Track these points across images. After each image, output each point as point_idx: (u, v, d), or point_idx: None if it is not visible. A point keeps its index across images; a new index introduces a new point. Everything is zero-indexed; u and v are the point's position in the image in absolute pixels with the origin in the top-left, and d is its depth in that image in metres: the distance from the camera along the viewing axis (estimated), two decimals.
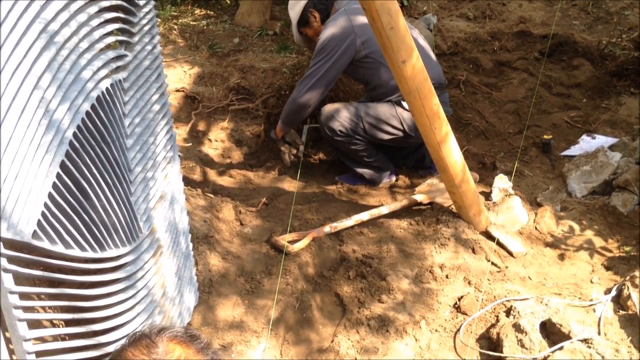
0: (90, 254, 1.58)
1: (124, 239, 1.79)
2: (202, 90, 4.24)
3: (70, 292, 1.52)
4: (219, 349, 1.23)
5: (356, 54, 3.36)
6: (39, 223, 1.35)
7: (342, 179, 3.74)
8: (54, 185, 1.40)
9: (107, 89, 1.67)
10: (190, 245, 2.49)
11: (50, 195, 1.38)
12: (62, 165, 1.44)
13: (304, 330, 2.71)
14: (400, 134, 3.45)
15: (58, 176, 1.41)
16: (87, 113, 1.55)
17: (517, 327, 2.53)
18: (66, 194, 1.46)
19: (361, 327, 2.70)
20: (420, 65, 2.68)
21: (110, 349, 1.80)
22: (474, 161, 4.01)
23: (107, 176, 1.67)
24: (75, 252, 1.51)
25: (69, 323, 1.66)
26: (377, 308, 2.77)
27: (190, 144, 3.91)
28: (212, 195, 3.25)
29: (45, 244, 1.39)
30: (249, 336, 2.53)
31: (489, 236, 3.17)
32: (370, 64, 3.39)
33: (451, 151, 2.96)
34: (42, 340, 1.55)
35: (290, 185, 3.65)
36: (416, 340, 2.66)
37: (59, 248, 1.44)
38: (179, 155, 3.64)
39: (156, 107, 2.08)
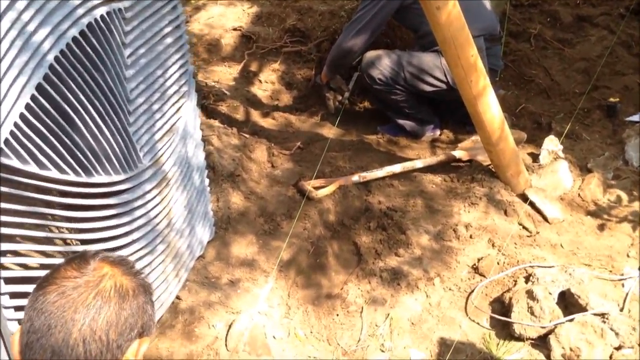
0: (72, 177, 1.64)
1: (118, 167, 1.84)
2: (259, 30, 4.23)
3: (49, 212, 1.60)
4: (145, 277, 1.25)
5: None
6: (6, 141, 1.41)
7: (383, 129, 3.66)
8: (28, 107, 1.45)
9: (102, 16, 1.69)
10: (207, 181, 2.54)
11: (22, 116, 1.44)
12: (40, 88, 1.48)
13: (316, 275, 2.73)
14: (444, 86, 3.31)
15: (33, 98, 1.46)
16: (75, 39, 1.58)
17: (530, 294, 2.43)
18: (44, 116, 1.51)
19: (373, 277, 2.68)
20: (457, 13, 2.54)
21: None
22: (529, 120, 3.80)
23: (97, 104, 1.71)
24: (53, 173, 1.57)
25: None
26: (393, 261, 2.73)
27: (240, 83, 3.94)
28: (247, 135, 3.27)
29: (14, 162, 1.45)
30: (258, 275, 2.57)
31: (525, 199, 3.03)
32: (418, 10, 3.21)
33: (489, 106, 2.82)
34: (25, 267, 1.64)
35: (330, 131, 3.62)
36: (427, 296, 2.62)
37: (31, 168, 1.50)
38: (225, 93, 3.70)
39: (168, 40, 2.09)
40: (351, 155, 3.35)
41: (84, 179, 1.69)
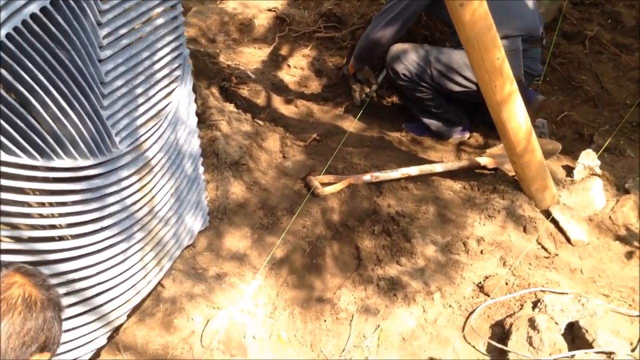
0: (24, 160, 1.57)
1: (86, 151, 1.76)
2: (294, 12, 4.09)
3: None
4: (58, 294, 1.20)
5: None
6: None
7: (408, 127, 3.47)
8: None
9: None
10: (201, 169, 2.44)
11: None
12: None
13: (310, 276, 2.60)
14: (473, 87, 3.08)
15: None
16: (34, 15, 1.49)
17: (532, 322, 2.24)
18: None
19: (370, 285, 2.54)
20: (484, 11, 2.33)
21: (65, 254, 1.82)
22: (570, 130, 3.54)
23: (61, 85, 1.62)
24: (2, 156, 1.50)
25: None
26: (393, 269, 2.58)
27: (268, 67, 3.82)
28: (261, 123, 3.16)
29: None
30: (246, 270, 2.47)
31: (549, 216, 2.80)
32: None
33: (514, 114, 2.60)
34: None
35: (351, 125, 3.45)
36: (424, 311, 2.46)
37: None
38: (250, 76, 3.60)
39: (159, 21, 1.98)
40: (369, 152, 3.18)
41: (40, 162, 1.62)
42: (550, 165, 3.07)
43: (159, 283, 2.35)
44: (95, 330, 2.01)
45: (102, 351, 2.21)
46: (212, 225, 2.58)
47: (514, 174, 2.97)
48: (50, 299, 1.16)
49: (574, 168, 3.09)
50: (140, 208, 2.07)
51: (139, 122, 1.99)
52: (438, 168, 3.03)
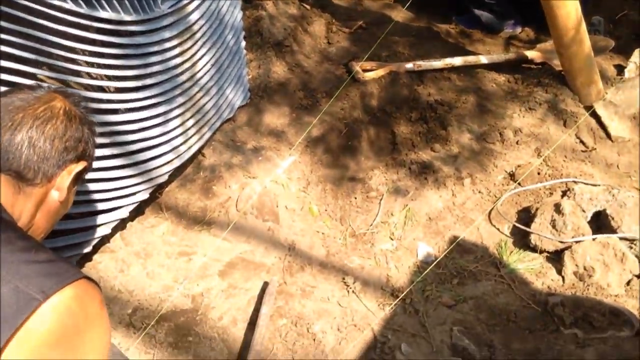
0: (70, 5, 1.66)
1: (129, 6, 1.84)
2: None
3: (46, 38, 1.63)
4: (93, 118, 1.30)
5: None
6: None
7: (459, 19, 3.39)
8: None
9: None
10: (242, 43, 2.49)
11: None
12: None
13: (344, 156, 2.67)
14: None
15: None
16: None
17: (557, 207, 2.26)
18: None
19: (402, 168, 2.59)
20: None
21: (107, 105, 1.94)
22: (629, 29, 3.38)
23: None
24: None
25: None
26: (426, 155, 2.62)
27: None
28: (308, 7, 3.16)
29: None
30: (283, 146, 2.56)
31: (592, 112, 2.76)
32: None
33: (564, 1, 2.52)
34: None
35: (399, 14, 3.41)
36: (453, 195, 2.50)
37: None
38: None
39: None
40: (414, 42, 3.16)
41: (84, 10, 1.70)
42: (601, 63, 2.99)
43: (200, 152, 2.48)
44: (137, 184, 2.15)
45: (147, 210, 2.37)
46: (253, 102, 2.66)
47: (561, 69, 2.91)
48: (88, 119, 1.26)
49: (626, 67, 3.00)
50: (182, 73, 2.16)
51: None
52: (483, 60, 2.99)
